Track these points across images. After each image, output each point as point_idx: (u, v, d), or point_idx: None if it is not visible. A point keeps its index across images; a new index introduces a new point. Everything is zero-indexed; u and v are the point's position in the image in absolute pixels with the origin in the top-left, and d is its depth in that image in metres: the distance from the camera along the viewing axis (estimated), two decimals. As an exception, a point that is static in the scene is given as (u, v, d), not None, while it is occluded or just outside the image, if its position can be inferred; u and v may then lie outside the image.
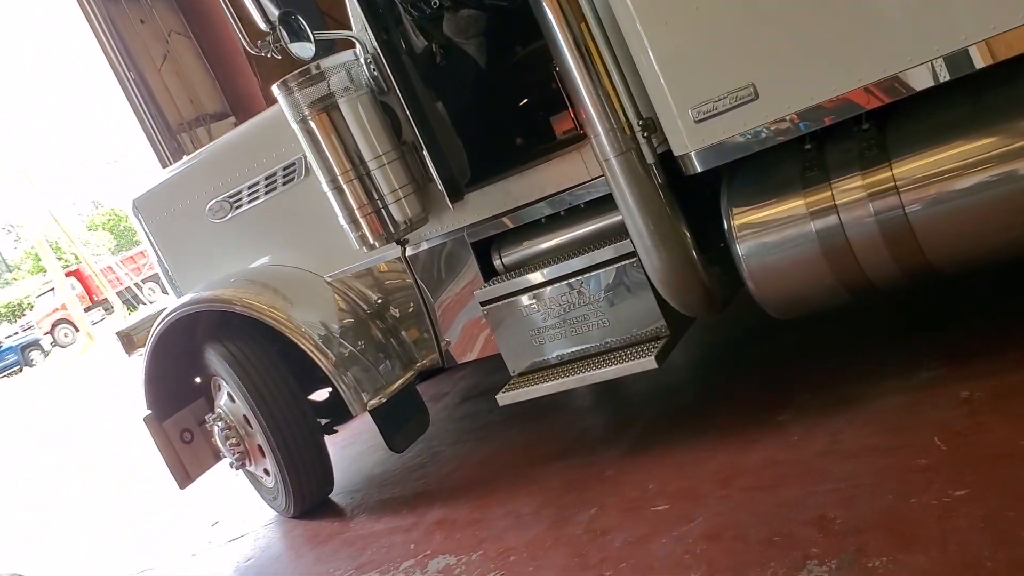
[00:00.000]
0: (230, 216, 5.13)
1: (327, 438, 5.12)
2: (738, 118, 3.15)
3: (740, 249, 3.39)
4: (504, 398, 4.12)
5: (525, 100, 4.61)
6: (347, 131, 3.98)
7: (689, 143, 3.28)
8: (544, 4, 3.32)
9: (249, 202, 5.01)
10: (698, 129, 3.23)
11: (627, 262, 3.75)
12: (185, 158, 5.75)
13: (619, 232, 3.85)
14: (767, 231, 3.36)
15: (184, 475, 5.46)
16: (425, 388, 6.19)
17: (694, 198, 3.59)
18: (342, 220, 4.10)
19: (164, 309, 5.10)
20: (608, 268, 3.82)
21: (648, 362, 3.68)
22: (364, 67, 4.05)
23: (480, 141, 4.27)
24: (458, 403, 5.81)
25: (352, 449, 5.70)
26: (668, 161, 3.43)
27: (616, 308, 3.86)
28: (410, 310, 4.85)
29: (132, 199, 5.66)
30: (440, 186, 3.85)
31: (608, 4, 3.28)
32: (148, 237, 5.74)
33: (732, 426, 3.71)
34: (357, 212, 4.05)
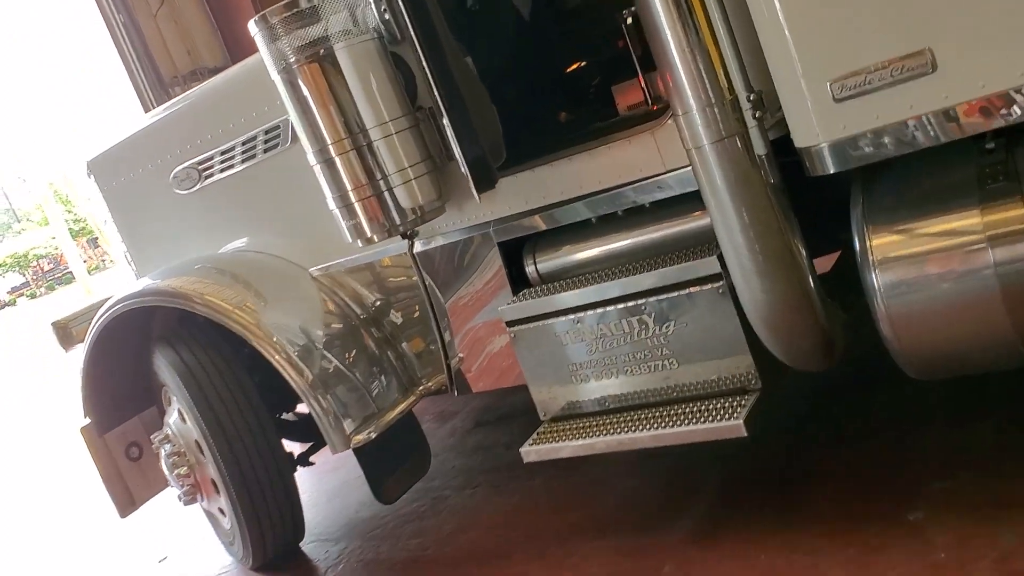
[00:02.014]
0: (198, 187, 4.28)
1: (302, 470, 4.28)
2: (903, 98, 2.26)
3: (879, 282, 2.52)
4: (530, 452, 3.26)
5: (580, 63, 3.72)
6: (344, 88, 3.10)
7: (822, 131, 2.40)
8: None
9: (222, 171, 4.16)
10: (838, 111, 2.35)
11: (712, 286, 2.88)
12: (148, 113, 4.90)
13: (702, 244, 2.99)
14: (921, 260, 2.49)
15: (127, 500, 4.63)
16: (428, 403, 5.31)
17: (807, 203, 2.73)
18: (332, 203, 3.24)
19: (109, 298, 4.24)
20: (683, 292, 2.95)
21: (733, 427, 2.82)
22: (373, 5, 3.16)
23: (519, 112, 3.39)
24: (469, 429, 4.95)
25: (333, 480, 4.84)
26: (783, 153, 2.56)
27: (690, 347, 2.99)
28: (415, 317, 4.01)
29: (86, 159, 4.80)
30: (464, 169, 2.95)
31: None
32: (105, 205, 4.88)
33: (838, 515, 2.85)
34: (352, 194, 3.17)
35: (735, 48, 2.47)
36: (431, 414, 5.19)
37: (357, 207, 3.19)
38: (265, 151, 3.94)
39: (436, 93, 2.89)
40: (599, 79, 3.69)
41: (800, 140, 2.47)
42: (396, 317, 4.05)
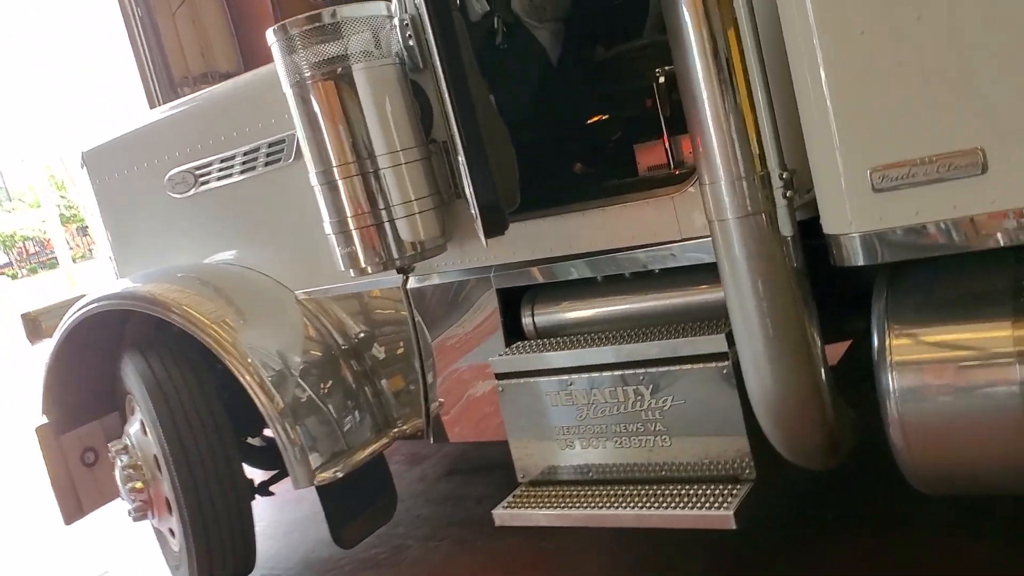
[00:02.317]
0: (192, 192, 4.11)
1: (261, 500, 4.08)
2: (947, 197, 2.13)
3: (895, 385, 2.38)
4: (503, 516, 3.09)
5: (604, 116, 3.60)
6: (357, 110, 2.96)
7: (855, 220, 2.26)
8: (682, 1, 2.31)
9: (219, 179, 4.00)
10: (876, 202, 2.22)
11: (716, 365, 2.74)
12: (152, 111, 4.75)
13: (711, 319, 2.85)
14: (943, 367, 2.35)
15: (75, 507, 4.40)
16: (400, 444, 5.11)
17: (824, 286, 2.60)
18: (328, 227, 3.08)
19: (83, 296, 4.06)
20: (685, 367, 2.80)
21: (722, 517, 2.66)
22: (397, 29, 3.03)
23: (536, 158, 3.26)
24: (440, 476, 4.76)
25: (293, 512, 4.64)
26: (809, 235, 2.44)
27: (685, 425, 2.84)
28: (398, 355, 3.84)
29: (81, 150, 4.64)
30: (475, 211, 2.80)
31: (775, 7, 2.29)
32: (94, 199, 4.71)
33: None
34: (351, 221, 3.02)
35: (773, 120, 2.35)
36: (402, 455, 5.00)
37: (355, 235, 3.04)
38: (266, 164, 3.79)
39: (455, 128, 2.75)
40: (622, 135, 3.56)
41: (830, 226, 2.34)
42: (379, 352, 3.88)
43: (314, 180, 3.06)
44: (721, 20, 2.29)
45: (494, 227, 2.76)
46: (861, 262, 2.30)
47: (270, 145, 3.75)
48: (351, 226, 3.03)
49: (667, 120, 2.98)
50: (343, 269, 3.13)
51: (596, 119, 3.62)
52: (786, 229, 2.36)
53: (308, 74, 2.93)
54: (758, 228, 2.35)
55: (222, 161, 3.95)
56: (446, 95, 2.74)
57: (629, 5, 3.80)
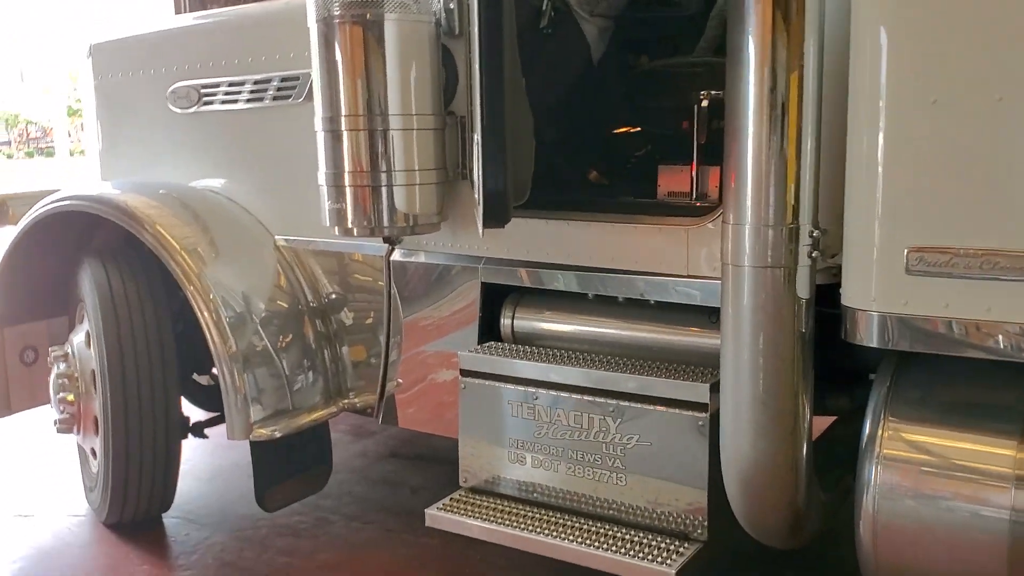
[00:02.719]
0: (194, 110, 3.89)
1: (194, 440, 3.88)
2: (984, 297, 1.96)
3: (877, 479, 2.21)
4: (436, 517, 2.89)
5: (634, 128, 3.40)
6: (380, 62, 2.76)
7: (879, 298, 2.08)
8: (751, 29, 2.11)
9: (223, 103, 3.78)
10: (905, 285, 2.04)
11: (693, 415, 2.55)
12: (173, 17, 4.51)
13: (698, 366, 2.67)
14: (932, 472, 2.18)
15: (3, 403, 4.19)
16: (347, 414, 4.92)
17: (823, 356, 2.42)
18: (322, 178, 2.88)
19: (57, 191, 3.84)
20: (661, 409, 2.61)
21: (662, 573, 2.47)
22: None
23: (553, 155, 3.07)
24: (382, 457, 4.56)
25: (224, 458, 4.42)
26: (822, 300, 2.26)
27: (645, 468, 2.66)
28: (366, 324, 3.65)
29: (90, 42, 4.40)
30: (479, 196, 2.59)
31: (846, 58, 2.10)
32: (93, 93, 4.48)
33: None
34: (347, 177, 2.82)
35: (816, 173, 2.16)
36: (348, 426, 4.80)
37: (348, 192, 2.84)
38: (274, 99, 3.57)
39: (478, 104, 2.54)
40: (648, 152, 3.38)
41: (850, 298, 2.16)
42: (347, 317, 3.68)
43: (318, 125, 2.86)
44: (787, 58, 2.10)
45: (495, 217, 2.56)
46: (874, 343, 2.12)
47: (283, 79, 3.53)
48: (346, 182, 2.83)
49: (700, 147, 2.78)
50: (327, 225, 2.92)
51: (625, 129, 3.43)
52: (803, 290, 2.18)
53: (337, 13, 2.72)
54: (774, 283, 2.16)
55: (231, 85, 3.73)
56: (476, 67, 2.54)
57: (686, 19, 3.60)
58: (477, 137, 2.49)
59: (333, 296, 3.68)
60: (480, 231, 2.61)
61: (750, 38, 2.14)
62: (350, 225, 2.86)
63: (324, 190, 2.88)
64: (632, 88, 3.36)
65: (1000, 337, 1.96)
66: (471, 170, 2.64)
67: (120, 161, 4.27)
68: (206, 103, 3.83)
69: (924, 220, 2.01)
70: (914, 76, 1.99)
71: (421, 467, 4.36)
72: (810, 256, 2.16)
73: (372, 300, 3.62)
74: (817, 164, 2.16)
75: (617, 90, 3.48)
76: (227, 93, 3.74)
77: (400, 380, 3.46)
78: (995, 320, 1.94)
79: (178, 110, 3.94)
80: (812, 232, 2.16)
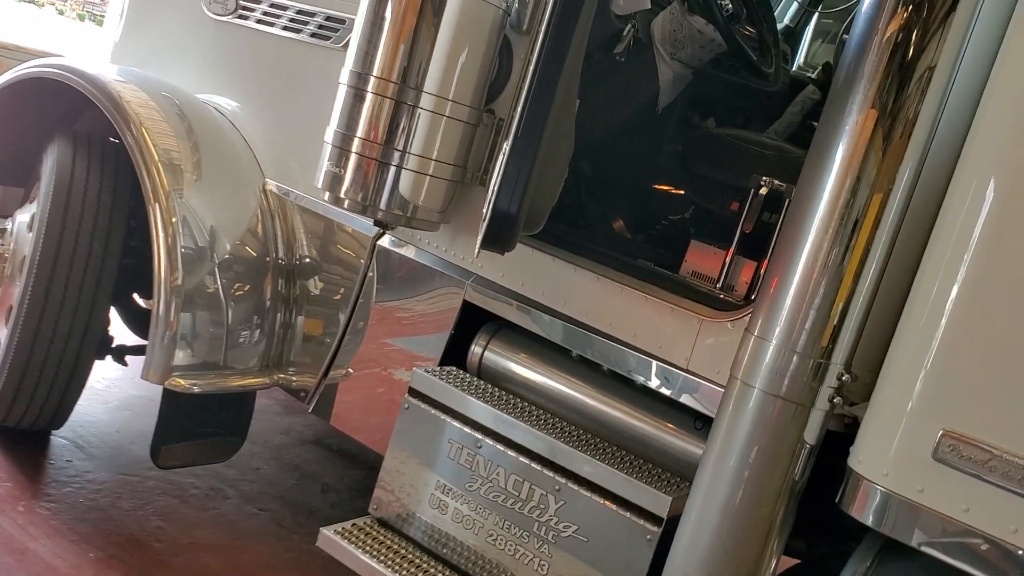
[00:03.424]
0: (227, 19, 3.61)
1: (114, 366, 3.58)
2: (1013, 512, 1.68)
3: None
4: (328, 539, 2.60)
5: (679, 190, 3.13)
6: (431, 34, 2.48)
7: (892, 473, 1.81)
8: (846, 131, 1.86)
9: (259, 22, 3.49)
10: (927, 468, 1.77)
11: (644, 525, 2.27)
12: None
13: (668, 472, 2.39)
14: None
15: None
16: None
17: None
18: (329, 136, 2.61)
19: (60, 57, 3.55)
20: (612, 507, 2.32)
21: None
22: (523, -20, 2.57)
23: (584, 191, 2.80)
24: (306, 440, 4.26)
25: (138, 389, 4.09)
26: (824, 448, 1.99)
27: (574, 563, 2.36)
28: (331, 301, 3.36)
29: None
30: (486, 212, 2.30)
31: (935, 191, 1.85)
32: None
33: None
34: (356, 143, 2.55)
35: (868, 310, 1.89)
36: (280, 395, 4.49)
37: (352, 159, 2.56)
38: (312, 35, 3.29)
39: (520, 110, 2.25)
40: (684, 220, 3.11)
41: (859, 461, 1.88)
42: (314, 287, 3.39)
43: (344, 78, 2.58)
44: (875, 177, 1.84)
45: (497, 241, 2.27)
46: (868, 521, 1.84)
47: (328, 18, 3.26)
48: (353, 147, 2.55)
49: (744, 235, 2.51)
50: (319, 186, 2.64)
51: (667, 188, 3.15)
52: (811, 435, 1.91)
53: (402, -32, 2.45)
54: (782, 417, 1.89)
55: (272, 5, 3.45)
56: (531, 72, 2.25)
57: (767, 95, 3.35)
58: (506, 146, 2.20)
59: (307, 259, 3.39)
60: (475, 251, 2.32)
61: (842, 140, 1.87)
62: (343, 195, 2.59)
63: (327, 149, 2.60)
64: (689, 148, 3.09)
65: (1013, 563, 1.68)
66: (489, 179, 2.35)
67: (135, 48, 3.99)
68: (242, 15, 3.55)
69: (972, 406, 1.74)
70: (1015, 236, 1.72)
71: (342, 465, 4.06)
72: (830, 400, 1.89)
73: (347, 276, 3.34)
74: (872, 301, 1.89)
75: (672, 145, 3.21)
76: (266, 13, 3.47)
77: (351, 370, 3.18)
78: (1018, 544, 1.67)
79: (211, 14, 3.66)
80: (842, 375, 1.89)
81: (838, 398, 1.89)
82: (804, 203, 1.93)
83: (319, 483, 3.84)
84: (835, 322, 1.86)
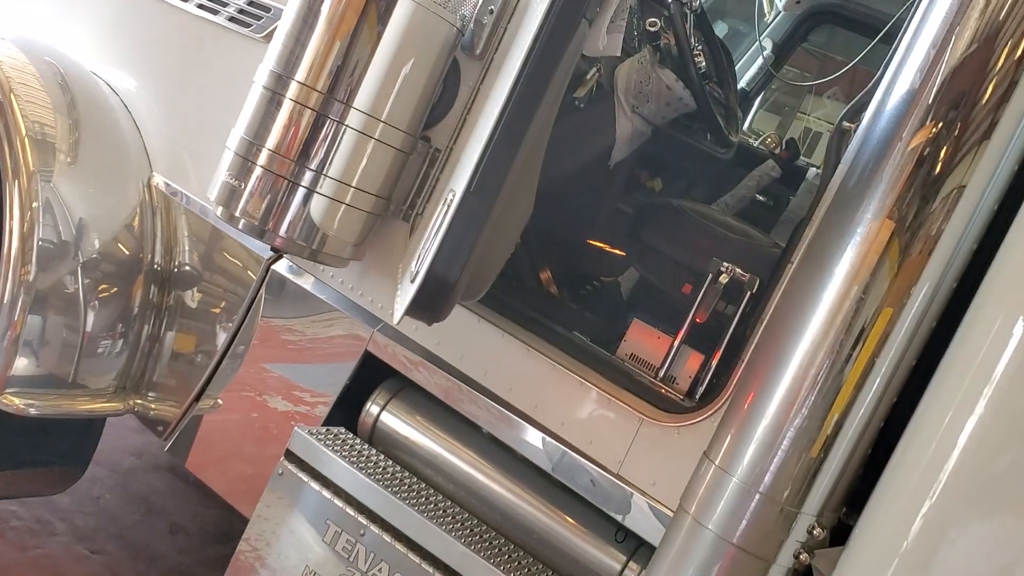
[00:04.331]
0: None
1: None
2: None
3: None
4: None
5: (627, 259, 2.82)
6: (371, 43, 2.13)
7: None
8: (859, 233, 1.59)
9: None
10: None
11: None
12: None
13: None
14: None
15: None
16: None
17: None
18: (232, 141, 2.21)
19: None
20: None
21: None
22: (505, 6, 2.24)
23: (523, 243, 2.46)
24: (160, 466, 3.76)
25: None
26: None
27: None
28: (210, 315, 2.93)
29: None
30: (414, 274, 1.90)
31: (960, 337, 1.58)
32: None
33: None
34: (263, 155, 2.16)
35: (853, 452, 1.60)
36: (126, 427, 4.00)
37: (255, 173, 2.17)
38: (231, 19, 2.87)
39: (477, 159, 1.83)
40: (629, 294, 2.81)
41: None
42: (191, 300, 2.96)
43: (259, 77, 2.19)
44: (886, 291, 1.56)
45: (427, 308, 1.87)
46: None
47: (251, 2, 2.85)
48: (259, 160, 2.16)
49: (693, 326, 2.20)
50: (211, 198, 2.24)
51: (612, 253, 2.84)
52: (767, 598, 1.60)
53: (347, -37, 2.08)
54: (735, 568, 1.58)
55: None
56: (501, 111, 1.84)
57: (721, 163, 3.08)
58: (453, 197, 1.83)
59: (187, 267, 2.95)
60: (396, 316, 1.94)
61: (849, 245, 1.59)
62: (238, 213, 2.19)
63: (227, 156, 2.21)
64: (643, 216, 2.77)
65: None
66: (426, 241, 1.95)
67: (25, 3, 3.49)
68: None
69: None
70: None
71: (197, 501, 3.59)
72: (796, 556, 1.59)
73: (232, 293, 2.91)
74: (859, 441, 1.60)
75: (618, 204, 2.91)
76: (194, -10, 3.03)
77: (220, 401, 2.76)
78: None
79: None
80: (812, 527, 1.58)
81: (804, 554, 1.59)
82: (792, 309, 1.64)
83: (168, 521, 3.36)
84: (816, 462, 1.56)
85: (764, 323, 1.77)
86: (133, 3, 3.13)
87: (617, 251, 2.94)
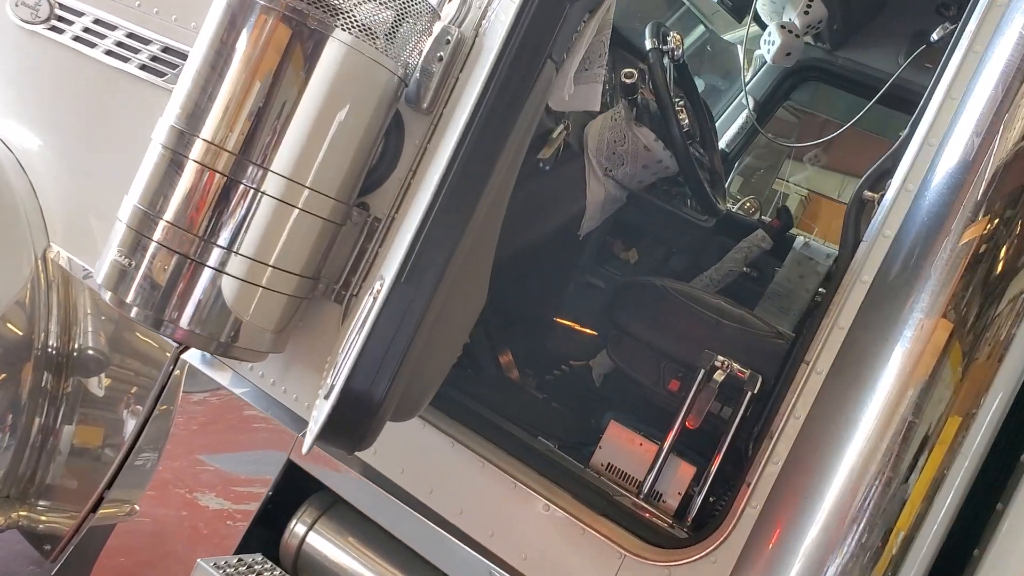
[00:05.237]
0: (36, 29, 2.79)
1: None
2: None
3: None
4: None
5: (599, 342, 2.47)
6: (296, 90, 1.78)
7: None
8: (910, 326, 1.27)
9: (77, 39, 2.69)
10: None
11: None
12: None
13: None
14: None
15: None
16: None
17: None
18: (124, 211, 1.84)
19: None
20: None
21: None
22: (432, 37, 1.90)
23: (479, 325, 2.09)
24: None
25: None
26: None
27: None
28: (116, 413, 2.54)
29: None
30: (332, 395, 1.49)
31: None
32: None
33: None
34: (161, 229, 1.79)
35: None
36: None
37: (150, 250, 1.79)
38: (142, 67, 2.52)
39: (414, 238, 1.47)
40: (602, 387, 2.45)
41: None
42: (97, 386, 2.56)
43: (158, 134, 1.83)
44: (951, 397, 1.23)
45: (342, 435, 1.48)
46: None
47: (165, 49, 2.49)
48: (155, 234, 1.79)
49: (683, 431, 1.85)
50: (98, 280, 1.86)
51: (582, 336, 2.48)
52: None
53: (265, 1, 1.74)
54: None
55: (96, 21, 2.66)
56: (441, 179, 1.50)
57: (702, 232, 2.75)
58: (381, 288, 1.45)
59: (89, 351, 2.56)
60: (305, 443, 1.54)
61: (897, 343, 1.24)
62: (130, 299, 1.81)
63: (118, 229, 1.83)
64: (622, 296, 2.41)
65: None
66: (346, 344, 1.57)
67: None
68: (55, 28, 2.74)
69: None
70: None
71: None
72: None
73: (139, 383, 2.53)
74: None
75: (588, 277, 2.57)
76: (87, 30, 2.67)
77: (138, 507, 2.36)
78: None
79: (16, 18, 2.83)
80: None
81: None
82: (831, 418, 1.29)
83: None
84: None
85: (780, 433, 1.41)
86: (34, 46, 2.76)
87: (587, 331, 2.59)
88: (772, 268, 3.19)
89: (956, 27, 1.57)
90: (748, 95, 3.57)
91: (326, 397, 1.44)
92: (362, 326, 1.39)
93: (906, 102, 3.26)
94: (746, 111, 3.57)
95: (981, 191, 1.32)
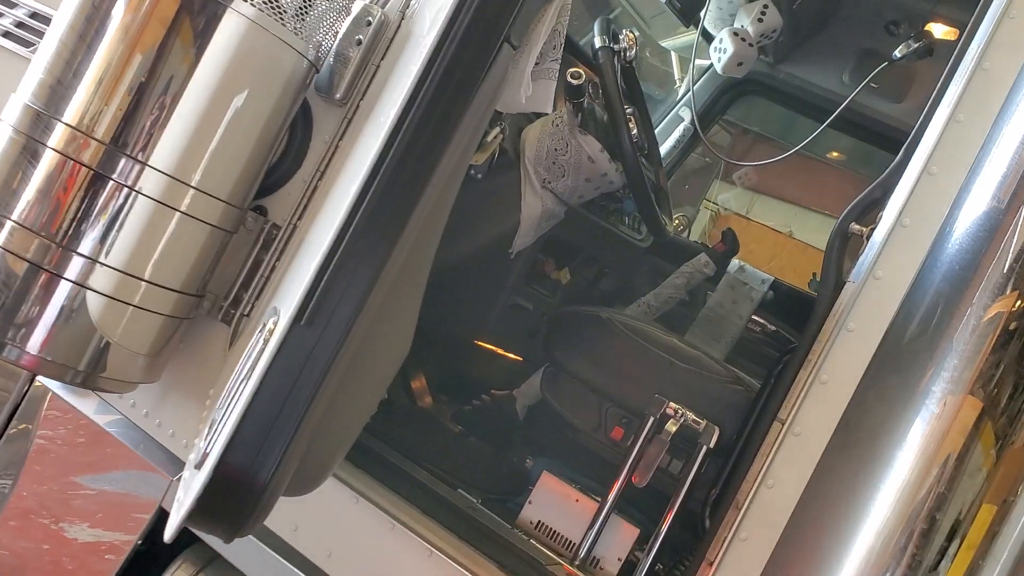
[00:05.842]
0: None
1: None
2: None
3: None
4: None
5: (528, 371, 2.21)
6: (185, 69, 1.47)
7: None
8: (937, 400, 1.05)
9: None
10: None
11: None
12: None
13: None
14: None
15: None
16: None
17: None
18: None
19: None
20: None
21: None
22: (351, 17, 1.61)
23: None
24: None
25: None
26: None
27: None
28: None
29: None
30: (201, 463, 1.17)
31: None
32: None
33: None
34: (8, 232, 1.47)
35: None
36: None
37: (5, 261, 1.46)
38: (5, 34, 2.17)
39: (321, 265, 1.16)
40: (533, 431, 2.18)
41: None
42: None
43: (10, 115, 1.50)
44: (983, 485, 1.02)
45: (214, 517, 1.16)
46: None
47: (33, 15, 2.15)
48: (3, 238, 1.46)
49: (628, 484, 1.60)
50: (-73, 292, 1.52)
51: (496, 350, 2.22)
52: None
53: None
54: None
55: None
56: (357, 185, 1.21)
57: (637, 252, 2.52)
58: (275, 326, 1.15)
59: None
60: (168, 529, 1.23)
61: (916, 418, 1.02)
62: (-31, 315, 1.48)
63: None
64: (558, 328, 2.14)
65: None
66: (228, 395, 1.26)
67: None
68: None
69: None
70: None
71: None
72: None
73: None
74: None
75: (516, 298, 2.31)
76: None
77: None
78: None
79: None
80: None
81: None
82: (834, 500, 1.06)
83: None
84: None
85: (749, 503, 1.17)
86: None
87: (512, 356, 2.33)
88: (704, 291, 2.99)
89: (955, 41, 1.36)
90: (685, 107, 3.37)
91: (197, 467, 1.13)
92: (247, 375, 1.09)
93: (853, 124, 3.10)
94: (683, 124, 3.36)
95: (1007, 264, 1.11)
